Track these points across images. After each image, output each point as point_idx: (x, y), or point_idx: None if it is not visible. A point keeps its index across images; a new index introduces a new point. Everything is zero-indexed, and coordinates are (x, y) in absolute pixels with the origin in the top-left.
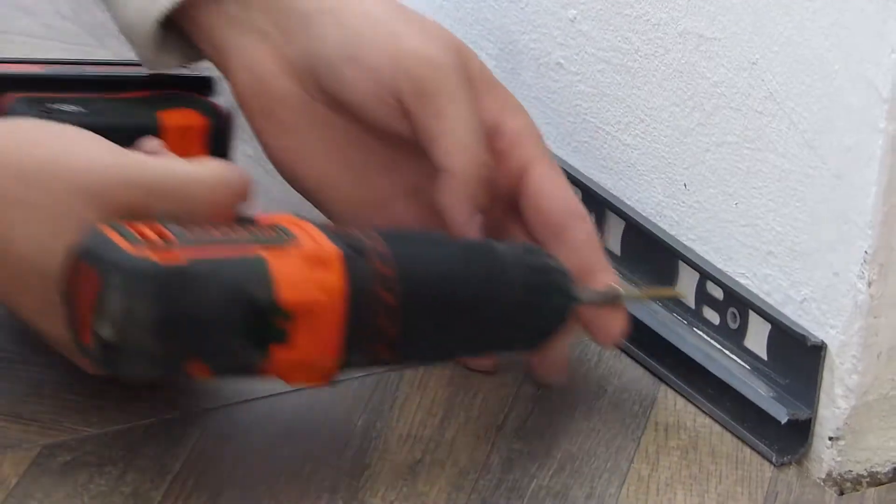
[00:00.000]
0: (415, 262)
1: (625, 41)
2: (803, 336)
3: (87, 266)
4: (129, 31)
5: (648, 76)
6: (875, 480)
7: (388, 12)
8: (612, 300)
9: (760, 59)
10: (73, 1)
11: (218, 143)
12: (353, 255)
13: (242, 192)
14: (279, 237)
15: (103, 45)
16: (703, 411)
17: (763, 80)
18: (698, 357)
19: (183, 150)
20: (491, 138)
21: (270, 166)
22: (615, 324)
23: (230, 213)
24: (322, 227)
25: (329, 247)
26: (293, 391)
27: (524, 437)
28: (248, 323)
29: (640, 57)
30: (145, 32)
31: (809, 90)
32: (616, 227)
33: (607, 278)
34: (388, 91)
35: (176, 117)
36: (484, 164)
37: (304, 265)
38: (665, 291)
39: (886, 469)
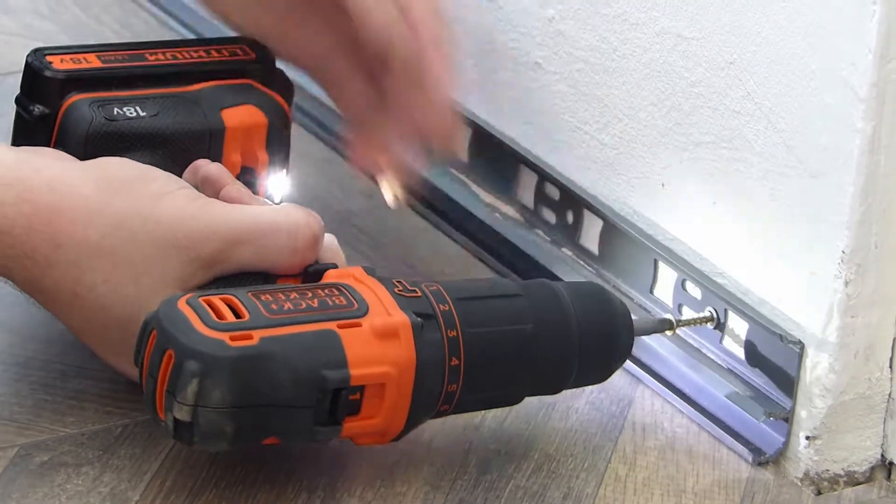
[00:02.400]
0: (481, 323)
1: (603, 41)
2: (780, 335)
3: (163, 345)
4: None
5: (626, 76)
6: (852, 480)
7: None
8: (666, 328)
9: (738, 58)
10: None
11: (277, 140)
12: (422, 324)
13: (318, 238)
14: (350, 305)
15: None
16: (681, 411)
17: (741, 80)
18: (675, 356)
19: (244, 150)
20: None
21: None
22: None
23: (305, 262)
24: (390, 288)
25: (399, 317)
26: None
27: (501, 438)
28: (322, 402)
29: (618, 57)
30: None
31: (787, 90)
32: (594, 227)
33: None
34: None
35: (239, 116)
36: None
37: (376, 339)
38: (699, 318)
39: (864, 468)
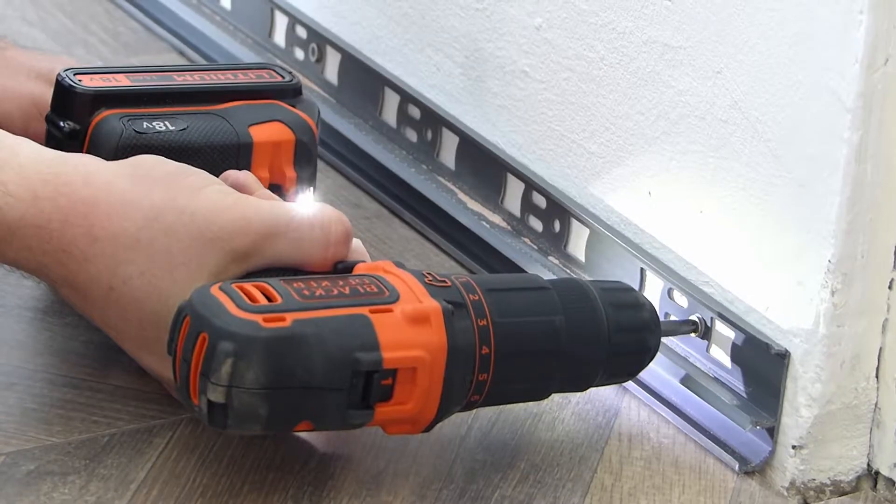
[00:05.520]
0: (510, 313)
1: (590, 49)
2: (767, 344)
3: (197, 329)
4: None
5: (613, 85)
6: (838, 489)
7: None
8: (692, 329)
9: (725, 68)
10: (39, 7)
11: (304, 156)
12: (453, 311)
13: (349, 234)
14: (381, 293)
15: (70, 53)
16: (667, 420)
17: (728, 89)
18: (662, 366)
19: (272, 166)
20: None
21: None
22: None
23: (337, 257)
24: (420, 278)
25: (430, 303)
26: None
27: (488, 448)
28: (354, 385)
29: (606, 65)
30: None
31: (774, 99)
32: (581, 236)
33: None
34: None
35: (266, 132)
36: None
37: (407, 324)
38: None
39: (850, 478)
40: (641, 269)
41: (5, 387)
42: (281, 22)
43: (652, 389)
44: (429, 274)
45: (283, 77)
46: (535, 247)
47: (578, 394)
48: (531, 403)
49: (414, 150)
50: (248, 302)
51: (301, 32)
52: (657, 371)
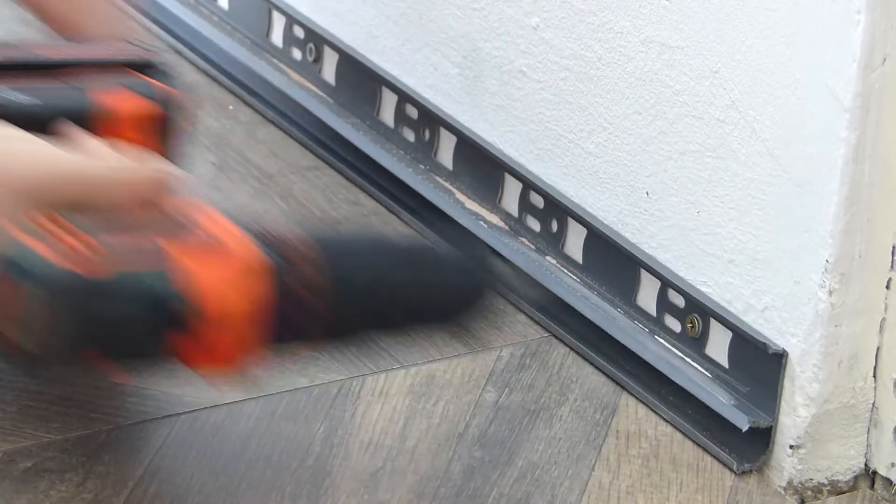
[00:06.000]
0: (350, 272)
1: (588, 49)
2: (764, 344)
3: (11, 278)
4: None
5: (611, 84)
6: (836, 489)
7: None
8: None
9: (723, 67)
10: None
11: (161, 128)
12: (280, 265)
13: (164, 188)
14: (197, 236)
15: None
16: (665, 419)
17: (725, 89)
18: (660, 365)
19: (121, 134)
20: None
21: (235, 175)
22: None
23: (155, 207)
24: (252, 232)
25: (252, 252)
26: (254, 398)
27: (485, 446)
28: (162, 323)
29: (603, 65)
30: None
31: (771, 99)
32: (578, 235)
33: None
34: None
35: (113, 101)
36: None
37: (230, 273)
38: None
39: (847, 477)
40: (638, 268)
41: (3, 384)
42: (278, 22)
43: (650, 387)
44: (264, 230)
45: (142, 50)
46: (533, 246)
47: (576, 392)
48: (529, 402)
49: (411, 149)
50: (61, 248)
51: (298, 32)
52: (655, 369)
